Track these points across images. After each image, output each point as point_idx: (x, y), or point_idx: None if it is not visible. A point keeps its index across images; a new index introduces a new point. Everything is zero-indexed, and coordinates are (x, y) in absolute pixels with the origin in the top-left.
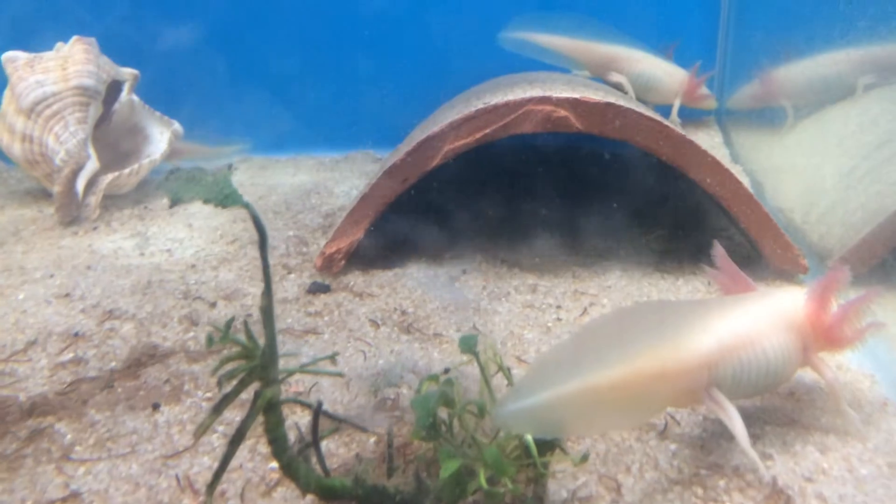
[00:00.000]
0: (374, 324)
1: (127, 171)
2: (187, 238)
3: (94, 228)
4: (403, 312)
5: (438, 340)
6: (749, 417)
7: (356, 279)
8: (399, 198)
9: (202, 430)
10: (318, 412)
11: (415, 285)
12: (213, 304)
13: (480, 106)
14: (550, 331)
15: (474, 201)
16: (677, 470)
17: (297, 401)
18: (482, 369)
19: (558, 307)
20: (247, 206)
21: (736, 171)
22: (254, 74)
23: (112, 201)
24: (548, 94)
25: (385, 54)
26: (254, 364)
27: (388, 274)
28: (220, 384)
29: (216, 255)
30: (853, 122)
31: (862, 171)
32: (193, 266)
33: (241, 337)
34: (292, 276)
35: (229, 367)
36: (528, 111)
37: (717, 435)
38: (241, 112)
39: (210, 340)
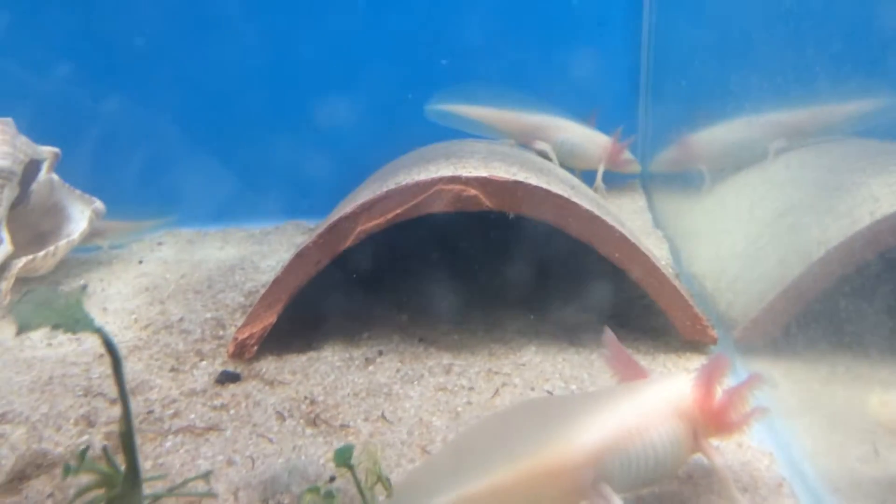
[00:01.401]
0: (281, 416)
1: (42, 253)
2: (101, 324)
3: (3, 317)
4: (313, 402)
5: (344, 432)
6: None
7: (269, 365)
8: (317, 277)
9: None
10: None
11: (328, 370)
12: (114, 401)
13: (392, 187)
14: (460, 416)
15: (396, 275)
16: None
17: None
18: (358, 485)
19: (470, 389)
20: (98, 331)
21: (657, 236)
22: (181, 146)
23: (27, 285)
24: (458, 173)
25: (316, 123)
26: (113, 492)
27: (301, 358)
28: None
29: (127, 342)
30: (762, 188)
31: (765, 240)
32: (101, 356)
33: (101, 465)
34: (204, 363)
35: (87, 497)
36: (438, 191)
37: None
38: (168, 185)
39: (67, 470)
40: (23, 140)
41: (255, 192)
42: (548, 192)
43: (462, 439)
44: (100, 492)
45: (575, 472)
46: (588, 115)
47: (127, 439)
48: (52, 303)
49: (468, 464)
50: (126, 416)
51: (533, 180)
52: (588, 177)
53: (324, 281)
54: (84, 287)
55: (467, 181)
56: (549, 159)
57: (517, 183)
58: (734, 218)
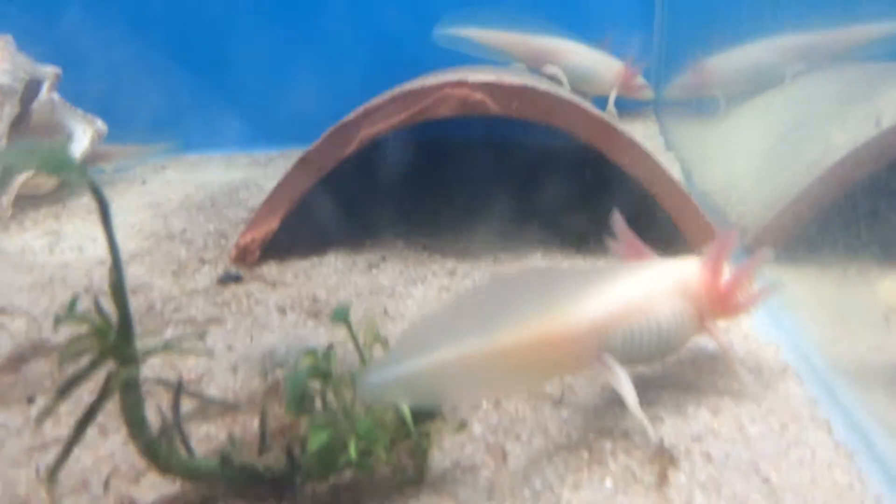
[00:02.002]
0: (282, 311)
1: None
2: (102, 236)
3: (5, 228)
4: (315, 300)
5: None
6: (647, 383)
7: (271, 269)
8: (322, 186)
9: (44, 414)
10: (178, 391)
11: (330, 273)
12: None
13: (396, 92)
14: None
15: (402, 191)
16: (566, 436)
17: (159, 381)
18: (355, 339)
19: None
20: (82, 173)
21: (668, 158)
22: (186, 71)
23: (29, 201)
24: (464, 78)
25: (322, 49)
26: (106, 343)
27: (304, 263)
28: (61, 363)
29: (130, 250)
30: (778, 108)
31: (779, 153)
32: (102, 262)
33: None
34: (206, 268)
35: (78, 347)
36: (443, 95)
37: (613, 403)
38: (173, 110)
39: (58, 319)
40: (23, 58)
41: (260, 118)
42: (557, 96)
43: (465, 299)
44: (92, 342)
45: (580, 340)
46: (601, 39)
47: (117, 289)
48: (37, 149)
49: (470, 324)
50: (116, 263)
51: (542, 87)
52: (599, 103)
53: (328, 189)
54: (70, 135)
55: (474, 86)
56: (560, 83)
57: (525, 87)
58: (748, 137)
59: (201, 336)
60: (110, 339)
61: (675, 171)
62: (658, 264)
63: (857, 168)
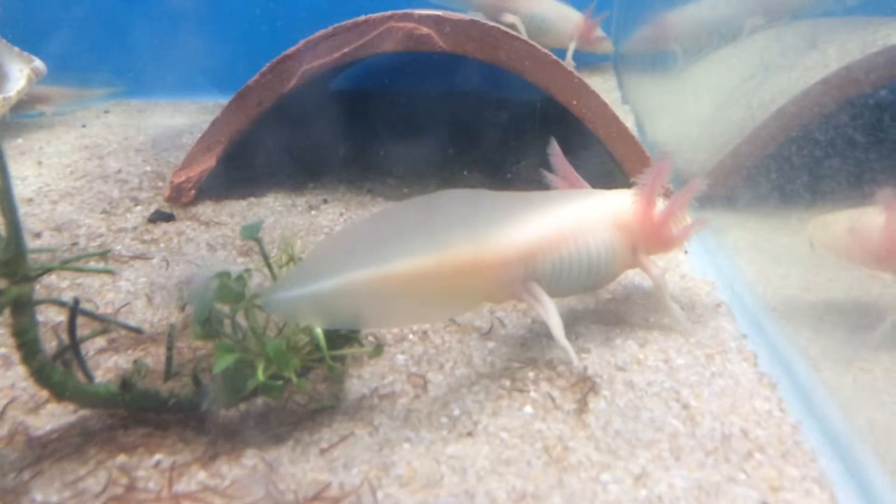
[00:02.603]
0: (213, 249)
1: None
2: (33, 175)
3: None
4: None
5: (277, 260)
6: (578, 317)
7: (206, 209)
8: (265, 128)
9: None
10: (74, 310)
11: (268, 213)
12: (38, 235)
13: (339, 25)
14: None
15: (349, 138)
16: (490, 365)
17: (53, 301)
18: (265, 257)
19: None
20: None
21: (623, 111)
22: (135, 13)
23: None
24: (411, 11)
25: None
26: None
27: (241, 203)
28: None
29: (60, 189)
30: (733, 61)
31: (731, 101)
32: (30, 200)
33: None
34: (138, 208)
35: None
36: (388, 28)
37: (541, 335)
38: (119, 52)
39: None
40: None
41: (210, 64)
42: (505, 32)
43: (384, 217)
44: None
45: (507, 265)
46: None
47: (5, 198)
48: None
49: (392, 243)
50: (3, 171)
51: (489, 22)
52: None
53: (271, 132)
54: (6, 74)
55: (420, 18)
56: (518, 32)
57: (472, 22)
58: (702, 88)
59: (104, 256)
60: None
61: (629, 123)
62: (590, 194)
63: (802, 110)
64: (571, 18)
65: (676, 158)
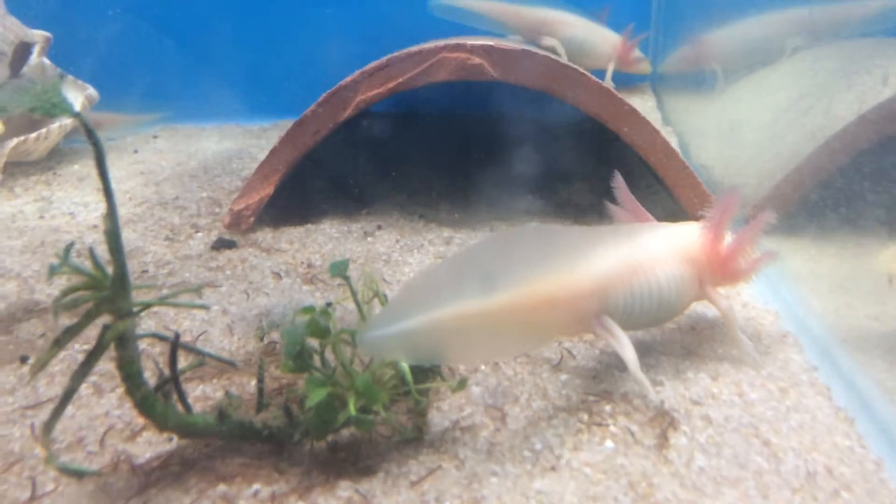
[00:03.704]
0: (277, 276)
1: (34, 135)
2: (94, 202)
3: None
4: (310, 265)
5: (343, 290)
6: (646, 349)
7: (265, 236)
8: (318, 155)
9: (38, 367)
10: (175, 345)
11: (325, 240)
12: (110, 262)
13: (393, 56)
14: None
15: (399, 162)
16: (565, 398)
17: (154, 335)
18: (353, 294)
19: None
20: (77, 115)
21: (666, 132)
22: (180, 40)
23: (20, 168)
24: (463, 41)
25: (316, 20)
26: (101, 294)
27: (299, 230)
28: (55, 314)
29: (122, 216)
30: (779, 81)
31: (781, 123)
32: (95, 227)
33: (87, 266)
34: (199, 234)
35: (72, 297)
36: (442, 59)
37: (612, 366)
38: (166, 79)
39: (52, 270)
40: (12, 20)
41: (254, 89)
42: (556, 62)
43: (464, 257)
44: (86, 293)
45: (579, 300)
46: (599, 12)
47: (112, 238)
48: (29, 90)
49: (470, 281)
50: (111, 212)
51: (541, 52)
52: (597, 76)
53: (324, 159)
54: (62, 75)
55: (472, 49)
56: (558, 55)
57: (524, 51)
58: (748, 110)
59: (198, 291)
60: (105, 291)
61: (673, 144)
62: (659, 227)
63: (862, 134)
64: (610, 40)
65: (726, 182)
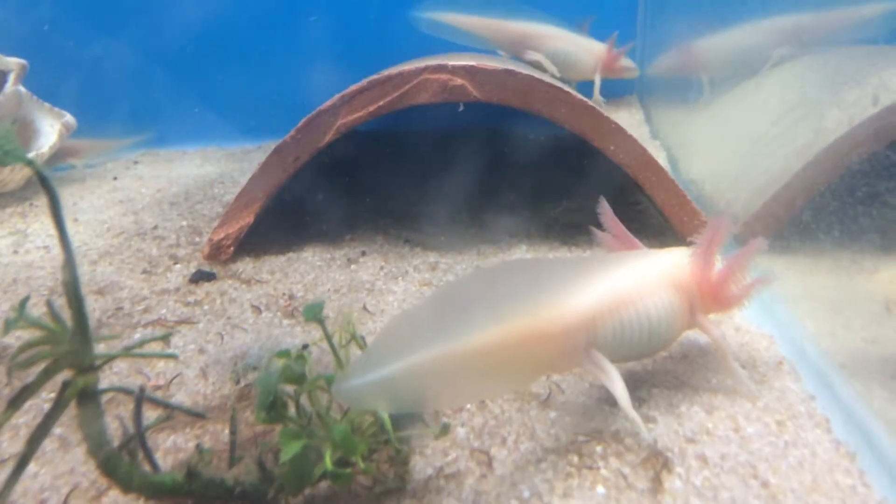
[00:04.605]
0: (257, 310)
1: (8, 167)
2: (70, 233)
3: None
4: (291, 297)
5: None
6: (637, 381)
7: (246, 266)
8: (299, 179)
9: None
10: (140, 400)
11: (308, 269)
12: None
13: (374, 78)
14: None
15: (383, 185)
16: (554, 438)
17: (119, 389)
18: (328, 338)
19: None
20: (30, 163)
21: (654, 146)
22: (159, 64)
23: None
24: (444, 62)
25: (298, 39)
26: (60, 349)
27: (280, 259)
28: (9, 374)
29: (99, 248)
30: (765, 92)
31: (770, 137)
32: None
33: (46, 320)
34: (178, 266)
35: (29, 355)
36: (423, 80)
37: (602, 401)
38: (146, 103)
39: (8, 324)
40: None
41: (235, 111)
42: (540, 80)
43: (445, 294)
44: (45, 348)
45: (567, 335)
46: (581, 23)
47: (71, 289)
48: None
49: (452, 321)
50: (68, 262)
51: (524, 71)
52: (585, 88)
53: (305, 181)
54: (14, 121)
55: (454, 70)
56: (544, 70)
57: (507, 71)
58: (735, 122)
59: (166, 339)
60: (65, 345)
61: (661, 160)
62: (647, 255)
63: (852, 149)
64: (594, 51)
65: (716, 197)
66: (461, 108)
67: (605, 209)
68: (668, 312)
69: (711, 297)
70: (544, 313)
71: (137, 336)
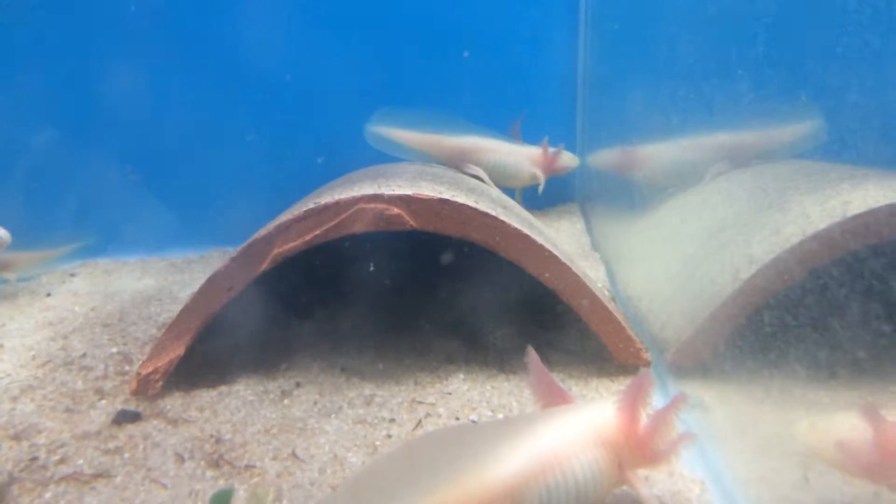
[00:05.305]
0: (180, 459)
1: None
2: None
3: None
4: (218, 440)
5: (249, 473)
6: None
7: (175, 402)
8: (234, 304)
9: None
10: None
11: (239, 405)
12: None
13: (311, 206)
14: (378, 450)
15: (321, 306)
16: None
17: None
18: None
19: (391, 421)
20: None
21: (594, 259)
22: (95, 171)
23: None
24: (381, 191)
25: (244, 145)
26: None
27: (211, 394)
28: None
29: (21, 381)
30: (696, 208)
31: (698, 259)
32: None
33: None
34: (103, 402)
35: None
36: (359, 210)
37: None
38: (82, 212)
39: None
40: None
41: (177, 219)
42: (475, 210)
43: (364, 475)
44: None
45: None
46: (511, 126)
47: None
48: None
49: (371, 501)
50: None
51: (460, 198)
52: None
53: (240, 307)
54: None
55: (390, 199)
56: (484, 182)
57: (442, 201)
58: (668, 238)
59: None
60: None
61: (600, 274)
62: (572, 410)
63: (777, 277)
64: (530, 156)
65: (650, 318)
66: None
67: (533, 360)
68: (595, 472)
69: (639, 451)
70: (466, 487)
71: (49, 496)
